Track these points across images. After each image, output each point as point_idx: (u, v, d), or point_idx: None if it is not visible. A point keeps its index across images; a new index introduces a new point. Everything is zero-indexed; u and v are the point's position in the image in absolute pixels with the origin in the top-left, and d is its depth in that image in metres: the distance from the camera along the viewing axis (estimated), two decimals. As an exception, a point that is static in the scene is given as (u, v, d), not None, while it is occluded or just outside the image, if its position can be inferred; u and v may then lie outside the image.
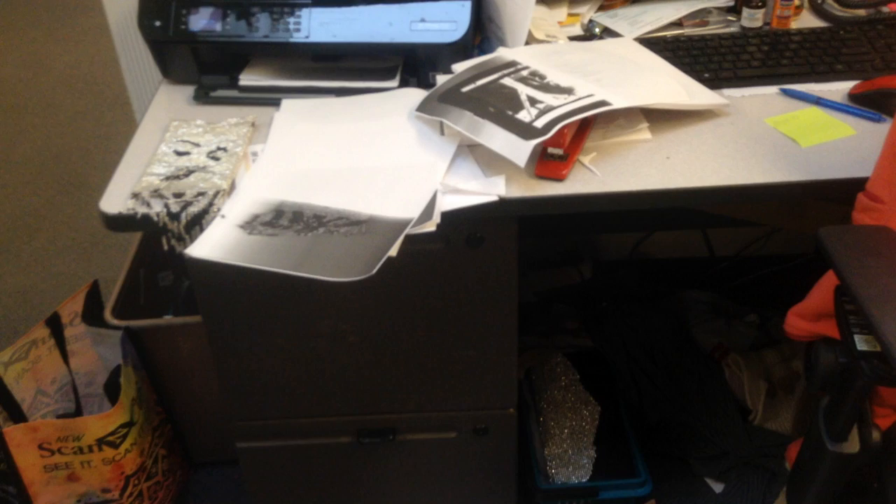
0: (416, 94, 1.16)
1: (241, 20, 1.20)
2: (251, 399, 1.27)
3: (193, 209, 1.01)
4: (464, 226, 1.08)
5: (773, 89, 1.20)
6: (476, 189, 1.03)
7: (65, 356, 1.53)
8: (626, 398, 1.67)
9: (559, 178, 1.04)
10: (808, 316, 0.99)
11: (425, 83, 1.21)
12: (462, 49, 1.19)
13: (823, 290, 0.96)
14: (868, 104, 1.14)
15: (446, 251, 1.11)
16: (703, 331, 1.78)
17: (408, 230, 0.96)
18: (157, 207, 1.02)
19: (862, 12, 1.34)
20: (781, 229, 1.89)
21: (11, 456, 1.36)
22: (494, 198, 1.02)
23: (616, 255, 2.05)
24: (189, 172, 1.06)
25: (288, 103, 1.20)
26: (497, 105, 1.05)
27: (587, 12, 1.38)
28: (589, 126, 1.11)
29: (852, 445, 0.94)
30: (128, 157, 1.13)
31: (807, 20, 1.36)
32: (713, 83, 1.20)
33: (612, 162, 1.07)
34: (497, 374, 1.26)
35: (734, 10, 1.37)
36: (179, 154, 1.10)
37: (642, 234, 2.00)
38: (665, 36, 1.31)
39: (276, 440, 1.32)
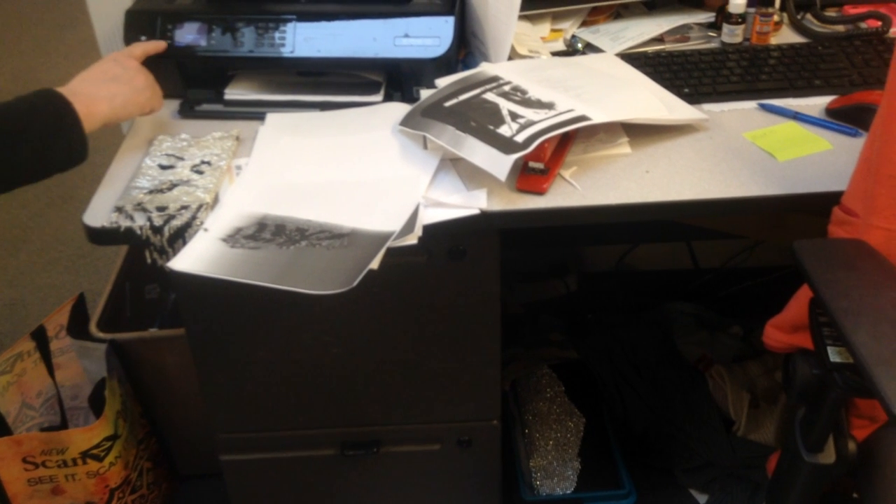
0: (400, 109, 1.17)
1: (226, 35, 1.22)
2: (235, 412, 1.27)
3: (176, 222, 1.02)
4: (446, 239, 1.09)
5: (751, 104, 1.21)
6: (458, 202, 1.04)
7: (50, 369, 1.52)
8: (610, 410, 1.68)
9: (540, 192, 1.05)
10: (786, 328, 1.00)
11: (409, 98, 1.23)
12: (446, 64, 1.20)
13: (800, 302, 0.97)
14: (845, 119, 1.16)
15: (429, 264, 1.12)
16: (687, 342, 1.79)
17: (389, 243, 0.97)
18: (140, 221, 1.02)
19: (840, 28, 1.36)
20: (764, 242, 1.90)
21: (-5, 469, 1.36)
22: (476, 211, 1.03)
23: (601, 267, 2.06)
24: (173, 186, 1.07)
25: (272, 117, 1.21)
26: (479, 119, 1.06)
27: (570, 28, 1.39)
28: (570, 140, 1.12)
29: (828, 456, 0.95)
30: (112, 170, 1.13)
31: (786, 36, 1.38)
32: (693, 98, 1.21)
33: (592, 176, 1.08)
34: (481, 386, 1.26)
35: (715, 27, 1.39)
36: (164, 168, 1.11)
37: (627, 247, 2.02)
38: (646, 51, 1.33)
39: (261, 453, 1.32)
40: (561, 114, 1.06)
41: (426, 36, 1.20)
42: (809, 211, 1.04)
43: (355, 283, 0.92)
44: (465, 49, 1.33)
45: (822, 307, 0.85)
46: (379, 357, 1.22)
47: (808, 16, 1.39)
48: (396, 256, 0.97)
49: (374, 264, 0.95)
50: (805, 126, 1.16)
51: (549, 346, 1.82)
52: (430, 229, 1.00)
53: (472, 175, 1.07)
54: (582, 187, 1.06)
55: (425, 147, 1.11)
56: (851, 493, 1.03)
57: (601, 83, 1.18)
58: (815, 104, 1.20)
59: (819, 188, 1.04)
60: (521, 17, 1.34)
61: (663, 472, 1.62)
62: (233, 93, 1.26)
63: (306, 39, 1.21)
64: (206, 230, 1.01)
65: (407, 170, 1.09)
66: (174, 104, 1.26)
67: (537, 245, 1.96)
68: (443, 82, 1.17)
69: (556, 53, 1.34)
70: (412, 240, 0.99)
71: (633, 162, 1.11)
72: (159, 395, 1.54)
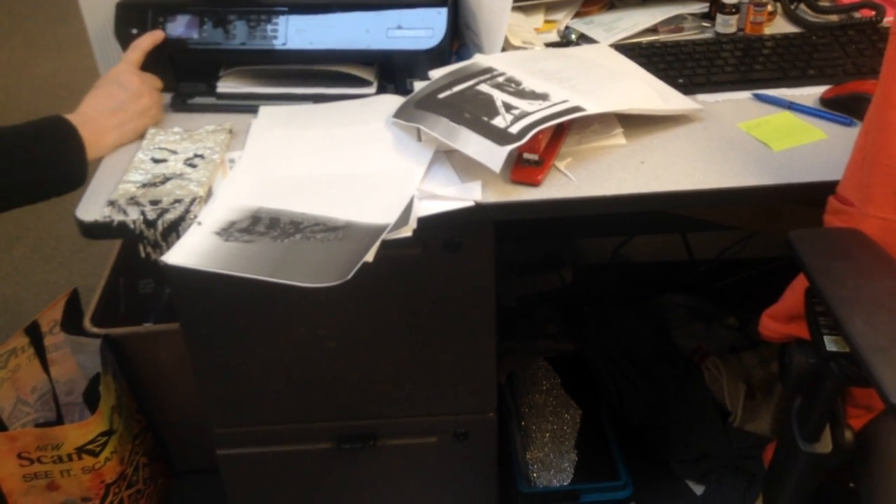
0: (394, 101, 1.17)
1: (218, 28, 1.21)
2: (231, 406, 1.27)
3: (170, 216, 1.01)
4: (441, 231, 1.09)
5: (746, 94, 1.21)
6: (452, 194, 1.03)
7: (45, 365, 1.52)
8: (607, 401, 1.68)
9: (535, 184, 1.05)
10: (781, 318, 1.00)
11: (402, 90, 1.22)
12: (439, 56, 1.20)
13: (795, 291, 0.97)
14: (839, 108, 1.15)
15: (424, 256, 1.11)
16: (682, 334, 1.79)
17: (384, 235, 0.97)
18: (133, 215, 1.02)
19: (834, 18, 1.36)
20: (759, 232, 1.90)
21: (-10, 466, 1.36)
22: (471, 203, 1.02)
23: (597, 259, 2.06)
24: (166, 180, 1.06)
25: (265, 110, 1.21)
26: (473, 111, 1.05)
27: (563, 19, 1.39)
28: (564, 132, 1.12)
29: (825, 445, 0.95)
30: (105, 164, 1.13)
31: (780, 26, 1.38)
32: (687, 89, 1.21)
33: (587, 167, 1.08)
34: (476, 379, 1.26)
35: (709, 17, 1.38)
36: (156, 161, 1.10)
37: (622, 239, 2.02)
38: (640, 42, 1.32)
39: (257, 447, 1.32)
40: (555, 105, 1.06)
41: (419, 27, 1.19)
42: (804, 201, 1.04)
43: (350, 276, 0.92)
44: (459, 40, 1.33)
45: (818, 296, 0.85)
46: (374, 350, 1.22)
47: (802, 6, 1.39)
48: (391, 249, 0.97)
49: (369, 257, 0.94)
50: (799, 116, 1.16)
51: (545, 339, 1.82)
52: (424, 222, 1.00)
53: (466, 167, 1.07)
54: (577, 178, 1.06)
55: (419, 139, 1.11)
56: (848, 482, 1.03)
57: (595, 74, 1.17)
58: (810, 94, 1.20)
59: (814, 178, 1.04)
60: (515, 8, 1.34)
61: (660, 464, 1.62)
62: (225, 86, 1.25)
63: (298, 31, 1.20)
64: (199, 224, 1.01)
65: (401, 162, 1.08)
66: (166, 97, 1.25)
67: (532, 237, 1.95)
68: (436, 74, 1.17)
69: (549, 44, 1.33)
70: (407, 232, 0.98)
71: (628, 153, 1.10)
72: (154, 390, 1.53)
